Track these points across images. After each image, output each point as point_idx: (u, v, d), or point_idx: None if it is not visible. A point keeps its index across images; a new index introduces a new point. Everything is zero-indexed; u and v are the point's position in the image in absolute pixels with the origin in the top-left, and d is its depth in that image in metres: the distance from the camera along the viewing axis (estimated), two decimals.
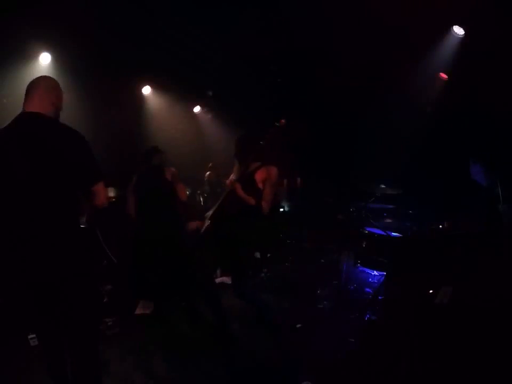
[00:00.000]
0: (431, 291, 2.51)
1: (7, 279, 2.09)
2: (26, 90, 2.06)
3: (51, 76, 2.24)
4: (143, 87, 6.79)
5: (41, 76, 2.18)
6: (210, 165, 6.44)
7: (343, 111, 6.45)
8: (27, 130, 1.94)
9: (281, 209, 6.19)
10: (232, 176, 3.25)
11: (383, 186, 4.32)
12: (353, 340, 3.17)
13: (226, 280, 5.06)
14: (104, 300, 3.91)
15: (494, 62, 4.50)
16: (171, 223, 3.92)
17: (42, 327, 2.16)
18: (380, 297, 3.76)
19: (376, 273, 4.47)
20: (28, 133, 1.93)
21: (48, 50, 5.18)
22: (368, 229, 4.31)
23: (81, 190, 2.04)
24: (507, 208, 3.04)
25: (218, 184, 6.40)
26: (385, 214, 4.82)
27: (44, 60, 5.22)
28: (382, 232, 4.11)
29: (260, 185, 3.10)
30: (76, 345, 2.05)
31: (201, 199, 6.12)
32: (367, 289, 4.27)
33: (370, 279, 4.54)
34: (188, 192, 6.37)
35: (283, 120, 3.26)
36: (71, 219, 2.02)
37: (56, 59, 5.26)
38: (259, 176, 3.09)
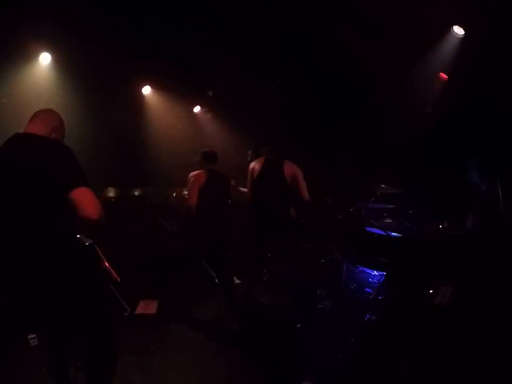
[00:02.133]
0: (431, 291, 2.51)
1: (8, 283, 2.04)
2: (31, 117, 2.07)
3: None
4: (143, 87, 6.78)
5: (48, 109, 2.17)
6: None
7: (342, 111, 6.45)
8: (10, 149, 1.92)
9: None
10: None
11: (383, 186, 4.32)
12: (353, 340, 3.16)
13: None
14: (126, 313, 3.86)
15: (494, 62, 4.50)
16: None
17: (46, 327, 2.17)
18: (380, 297, 3.76)
19: (376, 273, 4.47)
20: (11, 151, 1.91)
21: (48, 50, 5.17)
22: (368, 229, 4.31)
23: (61, 199, 1.83)
24: (507, 208, 3.03)
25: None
26: (385, 214, 4.81)
27: (44, 60, 5.22)
28: (382, 232, 4.11)
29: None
30: (91, 342, 2.06)
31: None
32: (367, 289, 4.27)
33: (370, 279, 4.54)
34: (187, 192, 6.37)
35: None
36: (60, 232, 1.91)
37: (56, 59, 5.26)
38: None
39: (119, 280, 3.78)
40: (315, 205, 5.66)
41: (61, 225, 1.90)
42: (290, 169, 4.17)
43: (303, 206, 4.43)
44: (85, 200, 1.81)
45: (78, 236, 2.11)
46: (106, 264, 3.31)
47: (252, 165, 4.38)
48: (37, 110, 2.14)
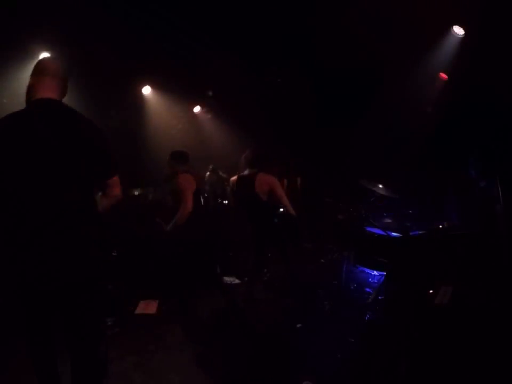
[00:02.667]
0: (431, 291, 2.51)
1: (14, 277, 1.97)
2: (38, 73, 2.00)
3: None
4: (143, 87, 6.79)
5: (51, 59, 2.15)
6: (210, 167, 6.44)
7: (342, 111, 6.46)
8: (47, 117, 1.87)
9: (281, 209, 6.19)
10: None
11: (380, 186, 4.32)
12: (353, 340, 3.16)
13: (227, 280, 5.07)
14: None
15: (493, 62, 4.50)
16: None
17: (38, 331, 2.04)
18: (379, 297, 3.76)
19: (376, 273, 4.47)
20: (48, 120, 1.86)
21: (48, 50, 5.17)
22: (368, 229, 4.31)
23: (99, 181, 1.99)
24: (507, 208, 3.03)
25: (218, 184, 6.40)
26: (385, 214, 4.82)
27: None
28: (382, 232, 4.11)
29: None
30: (78, 346, 1.98)
31: (201, 199, 6.11)
32: (367, 289, 4.27)
33: (370, 279, 4.55)
34: None
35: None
36: (89, 212, 1.93)
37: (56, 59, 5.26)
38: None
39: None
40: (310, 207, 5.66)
41: (93, 209, 1.95)
42: (263, 182, 3.93)
43: (287, 217, 4.23)
44: (118, 184, 2.04)
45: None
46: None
47: (232, 179, 4.26)
48: None
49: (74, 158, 1.86)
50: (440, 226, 3.70)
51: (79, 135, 1.90)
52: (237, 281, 5.05)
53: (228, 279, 5.09)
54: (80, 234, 1.87)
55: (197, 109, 8.00)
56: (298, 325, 3.57)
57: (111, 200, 2.04)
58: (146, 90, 6.86)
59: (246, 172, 4.08)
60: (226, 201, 5.98)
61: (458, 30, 4.97)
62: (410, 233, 3.77)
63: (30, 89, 2.00)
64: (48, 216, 1.81)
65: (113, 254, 4.11)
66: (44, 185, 1.82)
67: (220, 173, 6.22)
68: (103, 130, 2.04)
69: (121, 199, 2.06)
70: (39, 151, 1.81)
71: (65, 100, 2.23)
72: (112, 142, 2.10)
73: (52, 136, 1.82)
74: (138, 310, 3.96)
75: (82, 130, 1.93)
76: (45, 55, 5.19)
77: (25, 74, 5.44)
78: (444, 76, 5.68)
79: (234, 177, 4.22)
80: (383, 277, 3.91)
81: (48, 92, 1.97)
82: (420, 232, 3.71)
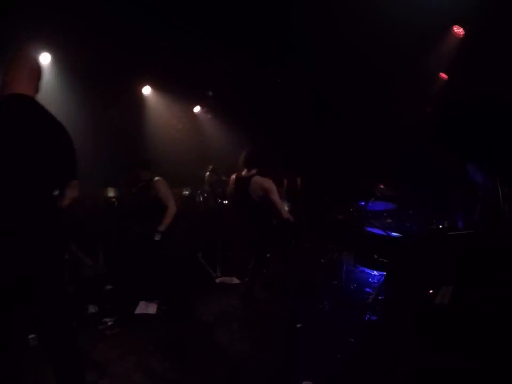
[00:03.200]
0: (431, 291, 2.51)
1: None
2: (15, 67, 1.98)
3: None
4: (143, 87, 6.79)
5: (29, 54, 2.12)
6: (210, 168, 6.45)
7: (342, 111, 6.46)
8: (20, 113, 1.86)
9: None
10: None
11: (382, 187, 4.32)
12: (353, 340, 3.16)
13: (227, 280, 5.07)
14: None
15: (493, 62, 4.50)
16: None
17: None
18: (380, 297, 3.76)
19: (376, 273, 4.47)
20: (20, 115, 1.85)
21: (48, 50, 5.17)
22: (368, 229, 4.31)
23: (62, 183, 2.01)
24: (507, 208, 3.04)
25: (218, 184, 6.39)
26: (385, 214, 4.82)
27: (44, 60, 5.22)
28: (382, 232, 4.11)
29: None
30: (50, 341, 2.03)
31: (201, 199, 6.12)
32: (367, 289, 4.27)
33: (370, 279, 4.54)
34: (187, 192, 6.38)
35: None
36: (50, 213, 1.97)
37: (56, 59, 5.26)
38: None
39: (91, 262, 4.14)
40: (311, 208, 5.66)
41: (55, 207, 1.99)
42: (258, 187, 3.85)
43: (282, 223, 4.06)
44: (76, 187, 2.07)
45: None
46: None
47: (232, 178, 4.21)
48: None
49: (40, 156, 1.86)
50: (440, 226, 3.70)
51: (49, 134, 1.92)
52: (237, 281, 5.05)
53: (227, 279, 5.09)
54: (37, 232, 1.90)
55: (197, 109, 8.00)
56: (298, 325, 3.57)
57: (69, 200, 2.07)
58: (146, 90, 6.86)
59: (243, 173, 4.05)
60: (226, 201, 5.98)
61: (458, 30, 4.97)
62: (410, 233, 3.77)
63: (4, 82, 1.96)
64: (9, 211, 1.84)
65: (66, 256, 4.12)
66: (6, 182, 1.83)
67: (222, 176, 6.23)
68: (69, 131, 2.03)
69: (76, 200, 2.09)
70: (9, 146, 1.80)
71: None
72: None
73: (22, 132, 1.82)
74: (138, 310, 3.96)
75: (52, 130, 1.94)
76: (45, 55, 5.20)
77: None
78: (444, 75, 5.68)
79: (233, 176, 4.21)
80: (383, 277, 3.91)
81: (22, 87, 1.95)
82: (420, 232, 3.71)
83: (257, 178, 3.88)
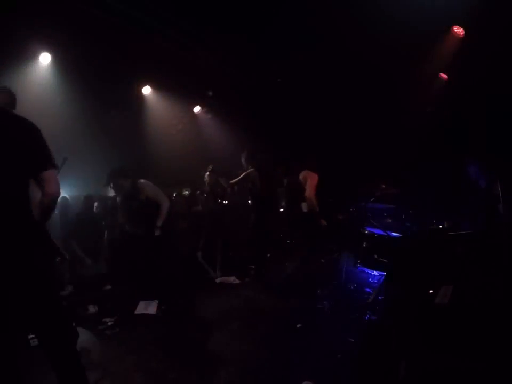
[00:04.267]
0: (431, 291, 2.51)
1: None
2: None
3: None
4: (143, 87, 6.79)
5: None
6: (210, 167, 6.45)
7: (342, 111, 6.45)
8: None
9: (281, 210, 6.19)
10: None
11: (383, 186, 4.32)
12: (353, 340, 3.16)
13: (227, 280, 5.08)
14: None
15: (493, 62, 4.50)
16: None
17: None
18: (379, 297, 3.76)
19: (376, 273, 4.46)
20: None
21: (48, 50, 5.17)
22: (368, 229, 4.31)
23: (32, 177, 1.98)
24: (507, 208, 3.03)
25: (218, 184, 6.39)
26: (385, 214, 4.82)
27: (44, 60, 5.22)
28: (382, 232, 4.11)
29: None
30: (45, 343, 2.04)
31: (201, 199, 6.12)
32: (367, 289, 4.27)
33: (370, 279, 4.54)
34: (187, 192, 6.38)
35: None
36: (23, 212, 1.95)
37: (56, 59, 5.26)
38: None
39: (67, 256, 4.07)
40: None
41: (26, 201, 1.97)
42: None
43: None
44: (53, 180, 2.01)
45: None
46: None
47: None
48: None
49: (4, 153, 1.88)
50: (440, 226, 3.70)
51: (8, 130, 1.94)
52: (237, 281, 5.05)
53: (227, 279, 5.09)
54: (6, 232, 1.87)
55: (197, 109, 8.00)
56: (298, 325, 3.57)
57: (48, 196, 2.00)
58: (146, 90, 6.86)
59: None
60: (226, 201, 5.98)
61: (458, 30, 4.97)
62: (410, 233, 3.77)
63: None
64: None
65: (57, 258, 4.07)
66: None
67: (219, 179, 6.26)
68: (36, 127, 2.03)
69: (56, 195, 2.03)
70: None
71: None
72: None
73: None
74: (138, 310, 3.96)
75: (10, 126, 1.96)
76: (45, 55, 5.21)
77: (25, 74, 5.48)
78: (444, 75, 5.67)
79: (234, 180, 4.45)
80: (383, 277, 3.91)
81: None
82: (420, 232, 3.71)
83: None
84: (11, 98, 2.42)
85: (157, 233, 4.10)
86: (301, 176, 4.71)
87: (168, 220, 4.20)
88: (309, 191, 4.57)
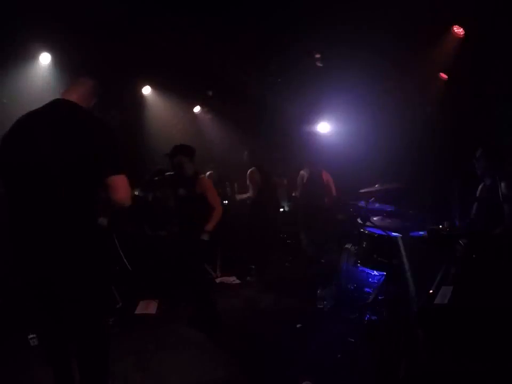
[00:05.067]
0: (431, 291, 2.51)
1: (15, 274, 2.03)
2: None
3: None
4: (143, 87, 6.78)
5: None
6: (211, 165, 6.45)
7: (342, 110, 6.45)
8: (53, 113, 1.93)
9: (281, 209, 6.20)
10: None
11: (377, 185, 4.32)
12: (353, 340, 3.17)
13: (227, 280, 5.08)
14: (118, 305, 3.86)
15: (494, 61, 4.50)
16: None
17: (46, 328, 2.09)
18: (380, 297, 3.75)
19: (376, 273, 4.46)
20: (52, 116, 1.91)
21: (48, 50, 5.17)
22: (368, 229, 4.31)
23: (98, 181, 1.87)
24: (507, 207, 3.03)
25: (219, 183, 6.39)
26: (385, 214, 4.81)
27: (44, 60, 5.22)
28: (382, 232, 4.10)
29: None
30: (81, 347, 1.97)
31: None
32: (367, 289, 4.27)
33: (370, 279, 4.54)
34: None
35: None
36: (86, 214, 1.88)
37: (56, 59, 5.26)
38: None
39: (130, 268, 3.87)
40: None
41: (91, 205, 1.90)
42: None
43: None
44: (123, 186, 1.88)
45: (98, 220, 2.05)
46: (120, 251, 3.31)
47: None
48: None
49: (67, 157, 1.81)
50: (440, 226, 3.69)
51: (76, 133, 1.85)
52: (237, 281, 5.05)
53: (227, 279, 5.09)
54: (68, 233, 1.83)
55: (197, 109, 8.00)
56: (298, 325, 3.57)
57: (115, 203, 1.90)
58: (146, 90, 6.86)
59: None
60: (226, 201, 5.99)
61: (458, 30, 4.97)
62: (410, 233, 3.76)
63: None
64: (40, 214, 1.83)
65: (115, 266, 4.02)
66: (38, 184, 1.83)
67: (227, 188, 6.30)
68: (111, 131, 1.95)
69: (125, 204, 1.90)
70: (35, 150, 1.82)
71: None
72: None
73: (47, 135, 1.82)
74: (138, 310, 3.96)
75: (81, 128, 1.88)
76: (45, 55, 5.20)
77: (25, 74, 5.47)
78: (443, 75, 5.67)
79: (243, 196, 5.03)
80: (383, 277, 3.91)
81: (67, 94, 2.06)
82: (420, 232, 3.71)
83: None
84: (95, 89, 2.30)
85: (205, 237, 3.59)
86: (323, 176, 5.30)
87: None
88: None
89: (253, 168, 4.94)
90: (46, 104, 1.99)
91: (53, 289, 1.91)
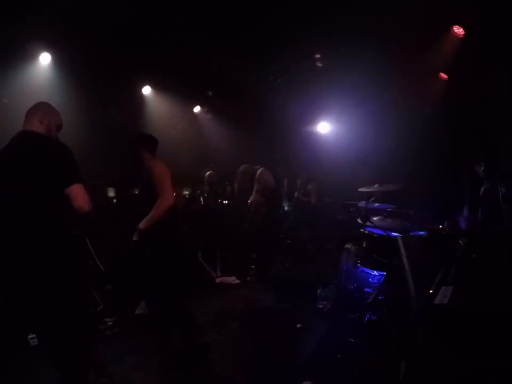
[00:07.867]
0: (431, 291, 2.51)
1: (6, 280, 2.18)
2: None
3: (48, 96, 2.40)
4: (143, 87, 6.78)
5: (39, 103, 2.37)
6: (211, 165, 6.46)
7: (342, 110, 6.45)
8: (14, 145, 2.16)
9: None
10: None
11: (376, 185, 4.32)
12: (353, 340, 3.17)
13: (226, 280, 5.08)
14: (99, 308, 3.86)
15: (494, 61, 4.50)
16: None
17: (40, 329, 2.29)
18: (380, 297, 3.75)
19: (376, 273, 4.46)
20: (14, 147, 2.15)
21: (48, 50, 5.17)
22: (368, 229, 4.31)
23: (58, 193, 2.10)
24: (507, 208, 3.04)
25: (218, 184, 6.40)
26: (385, 214, 4.81)
27: (44, 60, 5.22)
28: (382, 232, 4.11)
29: None
30: (55, 349, 2.14)
31: (201, 199, 6.12)
32: (367, 289, 4.27)
33: (370, 279, 4.54)
34: (187, 192, 6.38)
35: None
36: (54, 225, 2.11)
37: (56, 59, 5.26)
38: None
39: (103, 269, 3.73)
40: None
41: (57, 216, 2.14)
42: None
43: None
44: (79, 194, 2.12)
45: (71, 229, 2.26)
46: (95, 257, 3.32)
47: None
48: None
49: (29, 178, 2.07)
50: (440, 226, 3.69)
51: (31, 154, 2.11)
52: (237, 281, 5.05)
53: (227, 279, 5.09)
54: (39, 242, 2.07)
55: (197, 109, 7.99)
56: (298, 325, 3.57)
57: (76, 210, 2.12)
58: (146, 90, 6.86)
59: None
60: (226, 201, 6.00)
61: (458, 30, 4.97)
62: (410, 233, 3.76)
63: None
64: (15, 226, 2.09)
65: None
66: (13, 200, 2.08)
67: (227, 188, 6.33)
68: (62, 145, 2.17)
69: (83, 209, 2.12)
70: (8, 172, 2.11)
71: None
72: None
73: (13, 163, 2.11)
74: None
75: (35, 150, 2.13)
76: (45, 55, 5.20)
77: (25, 75, 5.46)
78: (443, 75, 5.67)
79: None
80: (383, 277, 3.91)
81: (26, 124, 2.26)
82: (420, 232, 3.71)
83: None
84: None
85: (135, 237, 3.18)
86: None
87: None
88: None
89: (262, 168, 4.97)
90: (12, 138, 2.20)
91: (29, 295, 2.10)
